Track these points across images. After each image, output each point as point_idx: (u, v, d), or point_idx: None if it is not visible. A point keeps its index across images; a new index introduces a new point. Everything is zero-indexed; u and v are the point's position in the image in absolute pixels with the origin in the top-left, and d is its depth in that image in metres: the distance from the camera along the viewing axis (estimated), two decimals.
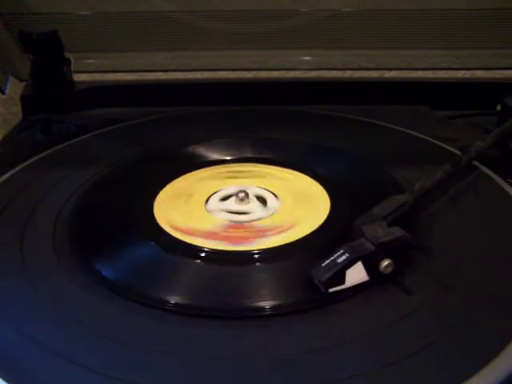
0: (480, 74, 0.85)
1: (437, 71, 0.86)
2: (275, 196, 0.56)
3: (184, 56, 0.86)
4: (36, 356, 0.38)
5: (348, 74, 0.88)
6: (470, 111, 0.77)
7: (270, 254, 0.47)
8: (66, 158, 0.65)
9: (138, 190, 0.57)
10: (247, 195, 0.54)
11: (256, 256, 0.47)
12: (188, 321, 0.41)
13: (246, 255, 0.47)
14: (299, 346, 0.39)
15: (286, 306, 0.42)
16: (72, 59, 0.81)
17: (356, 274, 0.42)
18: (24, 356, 0.38)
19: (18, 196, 0.56)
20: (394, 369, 0.37)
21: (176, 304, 0.42)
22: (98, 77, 0.85)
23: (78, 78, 0.83)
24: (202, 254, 0.47)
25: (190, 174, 0.60)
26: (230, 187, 0.58)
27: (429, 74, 0.86)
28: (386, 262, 0.43)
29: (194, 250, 0.48)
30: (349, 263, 0.42)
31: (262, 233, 0.51)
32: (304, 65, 0.86)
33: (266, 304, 0.42)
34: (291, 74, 0.88)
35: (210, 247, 0.48)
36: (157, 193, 0.56)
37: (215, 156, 0.63)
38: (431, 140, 0.66)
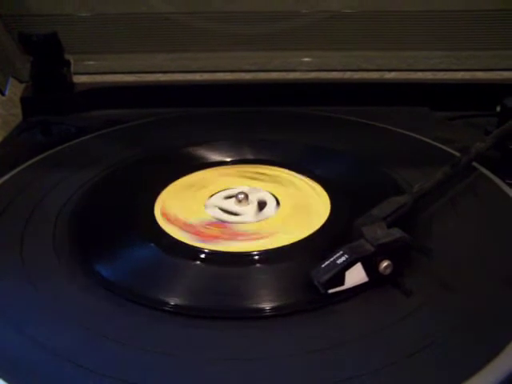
0: (480, 75, 0.85)
1: (436, 72, 0.86)
2: (277, 203, 0.56)
3: (183, 57, 0.86)
4: (36, 356, 0.38)
5: (348, 75, 0.88)
6: (470, 112, 0.77)
7: (269, 255, 0.47)
8: (66, 159, 0.65)
9: (138, 191, 0.57)
10: (247, 198, 0.54)
11: (256, 257, 0.47)
12: (188, 322, 0.41)
13: (246, 256, 0.47)
14: (299, 346, 0.39)
15: (286, 306, 0.42)
16: (72, 61, 0.81)
17: (355, 275, 0.42)
18: (24, 356, 0.38)
19: (19, 197, 0.56)
20: (394, 369, 0.37)
21: (176, 305, 0.42)
22: (98, 78, 0.86)
23: (78, 79, 0.83)
24: (202, 256, 0.47)
25: (216, 168, 0.61)
26: (241, 187, 0.57)
27: (428, 75, 0.86)
28: (385, 263, 0.43)
29: (195, 252, 0.48)
30: (348, 264, 0.42)
31: (235, 236, 0.50)
32: (304, 66, 0.87)
33: (266, 305, 0.42)
34: (291, 76, 0.87)
35: (210, 248, 0.48)
36: (157, 193, 0.56)
37: (216, 157, 0.63)
38: (430, 141, 0.66)
